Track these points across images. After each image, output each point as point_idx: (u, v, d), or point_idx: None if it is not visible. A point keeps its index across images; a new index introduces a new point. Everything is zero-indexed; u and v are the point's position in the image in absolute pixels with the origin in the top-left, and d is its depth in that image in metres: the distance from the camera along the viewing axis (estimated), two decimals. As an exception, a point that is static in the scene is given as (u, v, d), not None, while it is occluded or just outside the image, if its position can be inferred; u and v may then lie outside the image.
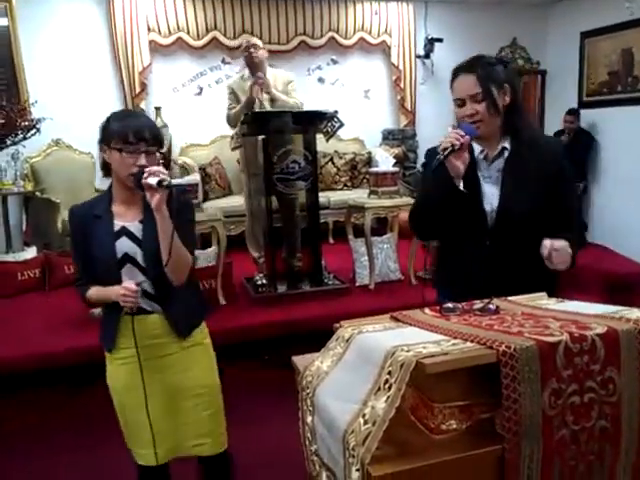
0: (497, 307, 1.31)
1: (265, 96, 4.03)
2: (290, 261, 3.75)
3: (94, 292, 1.74)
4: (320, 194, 3.95)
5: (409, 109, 6.57)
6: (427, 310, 1.37)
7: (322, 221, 4.58)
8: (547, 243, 1.61)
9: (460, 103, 1.73)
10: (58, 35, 5.43)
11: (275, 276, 3.74)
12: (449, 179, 1.67)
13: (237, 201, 5.28)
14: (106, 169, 1.73)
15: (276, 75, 4.19)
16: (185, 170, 5.42)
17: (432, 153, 1.84)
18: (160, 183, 1.57)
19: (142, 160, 1.63)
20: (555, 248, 1.59)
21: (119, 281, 1.68)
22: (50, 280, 4.34)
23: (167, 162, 5.66)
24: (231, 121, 4.14)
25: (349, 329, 1.28)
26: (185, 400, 1.81)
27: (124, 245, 1.70)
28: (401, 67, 6.49)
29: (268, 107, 4.01)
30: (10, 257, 4.44)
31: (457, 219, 1.75)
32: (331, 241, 5.47)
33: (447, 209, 1.71)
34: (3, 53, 4.95)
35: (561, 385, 1.01)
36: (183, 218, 1.71)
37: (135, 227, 1.72)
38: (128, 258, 1.70)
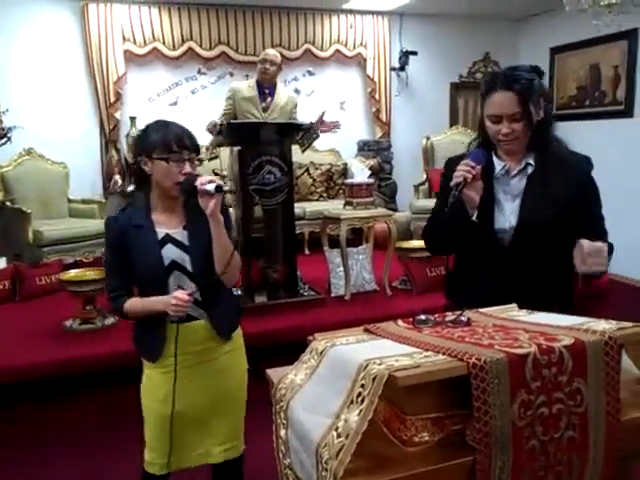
0: (469, 319, 1.32)
1: (267, 114, 4.02)
2: (267, 272, 3.74)
3: (137, 303, 1.72)
4: (296, 205, 3.96)
5: (384, 121, 6.64)
6: (400, 322, 1.38)
7: (298, 232, 4.58)
8: (585, 243, 1.52)
9: (496, 120, 1.65)
10: (32, 43, 5.38)
11: (252, 287, 3.73)
12: (463, 209, 1.65)
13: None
14: (141, 180, 1.73)
15: (286, 93, 4.21)
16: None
17: (451, 162, 1.81)
18: (219, 189, 1.59)
19: (187, 168, 1.65)
20: (595, 249, 1.52)
21: (165, 289, 1.68)
22: (21, 291, 4.26)
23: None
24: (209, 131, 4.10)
25: (323, 342, 1.28)
26: (218, 404, 1.81)
27: (171, 252, 1.70)
28: (376, 79, 6.56)
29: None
30: (-21, 268, 4.35)
31: (472, 238, 1.72)
32: (307, 252, 5.47)
33: (461, 232, 1.69)
34: (-26, 61, 4.87)
35: (530, 397, 1.03)
36: (226, 223, 1.72)
37: (180, 234, 1.72)
38: (175, 265, 1.70)
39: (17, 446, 2.82)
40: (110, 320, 3.60)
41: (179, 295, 1.62)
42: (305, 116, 4.51)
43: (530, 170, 1.70)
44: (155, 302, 1.68)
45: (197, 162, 1.73)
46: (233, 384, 1.85)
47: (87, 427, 2.94)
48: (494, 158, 1.75)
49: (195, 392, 1.78)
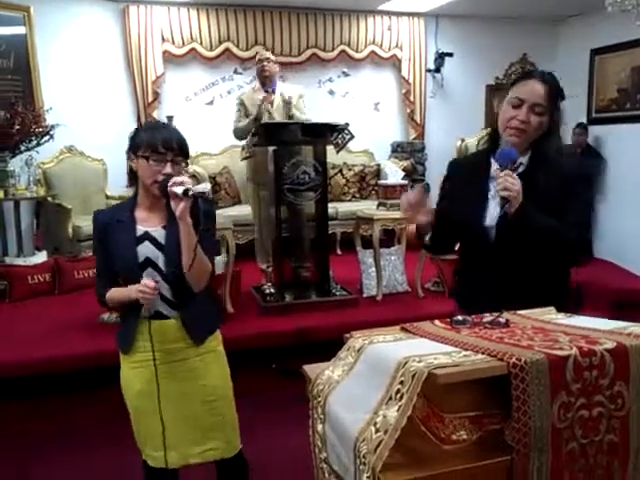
0: (507, 320, 1.32)
1: (272, 108, 4.10)
2: (298, 271, 3.78)
3: (114, 292, 1.78)
4: (329, 205, 3.98)
5: (418, 122, 6.62)
6: (437, 322, 1.38)
7: (330, 232, 4.60)
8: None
9: (517, 104, 1.67)
10: (74, 43, 5.52)
11: (283, 285, 3.76)
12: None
13: (246, 210, 5.31)
14: (132, 177, 1.79)
15: (288, 89, 4.26)
16: (195, 179, 5.46)
17: (454, 165, 1.89)
18: (186, 192, 1.61)
19: (168, 169, 1.68)
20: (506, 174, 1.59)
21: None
22: (60, 284, 4.39)
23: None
24: (237, 134, 4.23)
25: (360, 339, 1.29)
26: (198, 405, 1.84)
27: (146, 249, 1.74)
28: (411, 80, 6.55)
29: (277, 119, 4.07)
30: (21, 261, 4.49)
31: (463, 236, 1.79)
32: (339, 252, 5.49)
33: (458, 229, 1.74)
34: (20, 61, 5.02)
35: (570, 398, 1.03)
36: (205, 226, 1.73)
37: (158, 233, 1.76)
38: (149, 262, 1.74)
39: (50, 436, 2.91)
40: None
41: (145, 282, 1.67)
42: (339, 117, 4.55)
43: (521, 169, 1.72)
44: (130, 290, 1.71)
45: (183, 165, 1.74)
46: (209, 387, 1.85)
47: (117, 419, 3.00)
48: (491, 158, 1.76)
49: (171, 389, 1.80)
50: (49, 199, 4.86)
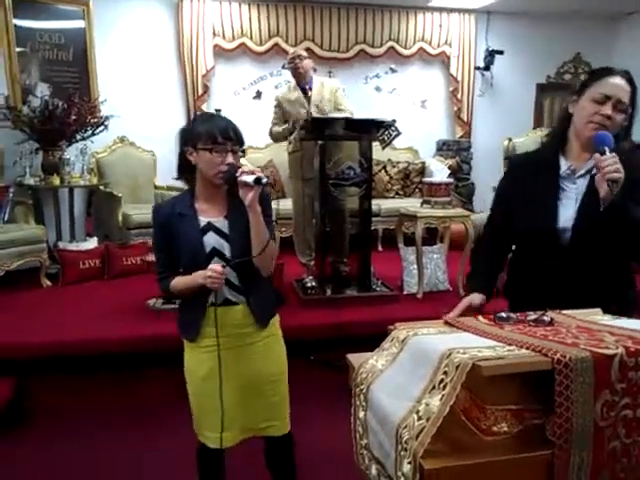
0: (551, 319, 1.33)
1: (314, 109, 4.09)
2: (337, 266, 3.81)
3: (179, 280, 1.83)
4: (372, 201, 3.99)
5: (465, 120, 6.56)
6: (480, 318, 1.40)
7: (372, 228, 4.61)
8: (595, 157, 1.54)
9: (603, 100, 1.63)
10: (129, 37, 5.70)
11: (324, 279, 3.81)
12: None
13: (289, 203, 5.38)
14: (187, 170, 1.83)
15: (323, 83, 4.24)
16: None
17: (516, 163, 1.86)
18: (258, 180, 1.66)
19: (230, 158, 1.73)
20: (605, 157, 1.51)
21: None
22: (109, 270, 4.55)
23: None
24: (272, 137, 4.25)
25: (404, 331, 1.32)
26: (260, 386, 1.91)
27: (211, 240, 1.80)
28: (459, 78, 6.49)
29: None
30: (74, 246, 4.67)
31: (528, 239, 1.75)
32: (380, 248, 5.51)
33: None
34: (78, 53, 5.22)
35: (614, 397, 1.03)
36: (266, 212, 1.80)
37: (221, 223, 1.82)
38: (216, 252, 1.80)
39: (99, 414, 3.04)
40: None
41: (213, 266, 1.72)
42: (385, 113, 4.55)
43: (595, 171, 1.65)
44: (195, 276, 1.76)
45: (241, 154, 1.80)
46: (271, 369, 1.92)
47: (159, 401, 3.12)
48: (560, 157, 1.74)
49: (235, 373, 1.86)
50: (101, 187, 5.04)
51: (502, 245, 1.91)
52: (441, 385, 1.05)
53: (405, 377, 1.17)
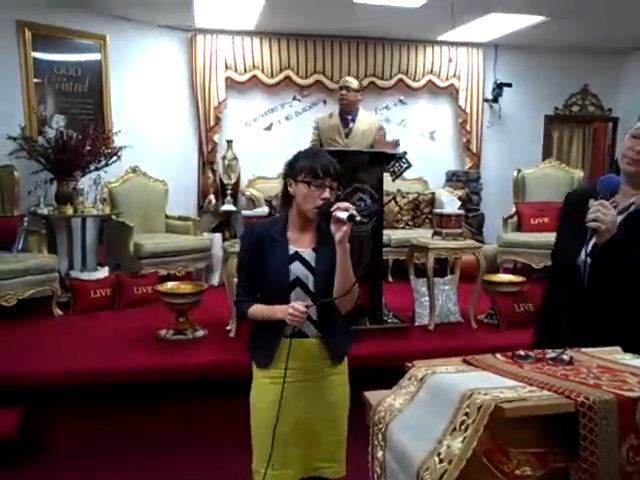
0: (571, 358, 1.31)
1: (350, 142, 4.14)
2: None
3: (259, 308, 1.85)
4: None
5: (474, 152, 6.61)
6: (499, 355, 1.39)
7: (383, 258, 4.60)
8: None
9: (638, 135, 1.64)
10: (143, 70, 5.81)
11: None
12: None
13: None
14: (286, 200, 1.88)
15: (368, 119, 4.34)
16: (252, 201, 5.61)
17: (569, 199, 1.85)
18: (351, 218, 1.68)
19: (327, 194, 1.77)
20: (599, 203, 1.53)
21: (287, 302, 1.78)
22: (120, 299, 4.56)
23: (235, 193, 5.90)
24: None
25: (422, 369, 1.31)
26: (322, 423, 1.89)
27: (297, 269, 1.82)
28: (468, 110, 6.56)
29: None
30: (85, 275, 4.70)
31: (557, 267, 1.76)
32: (390, 279, 5.49)
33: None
34: (94, 85, 5.33)
35: (640, 441, 1.02)
36: (354, 251, 1.83)
37: (308, 254, 1.84)
38: (299, 282, 1.82)
39: (109, 446, 3.01)
40: (200, 333, 3.78)
41: (296, 305, 1.73)
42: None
43: (632, 209, 1.66)
44: (275, 309, 1.79)
45: (337, 190, 1.84)
46: (336, 406, 1.91)
47: (171, 432, 3.09)
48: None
49: (300, 407, 1.85)
50: (113, 217, 5.08)
51: None
52: (462, 426, 1.04)
53: (425, 417, 1.16)
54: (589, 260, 1.63)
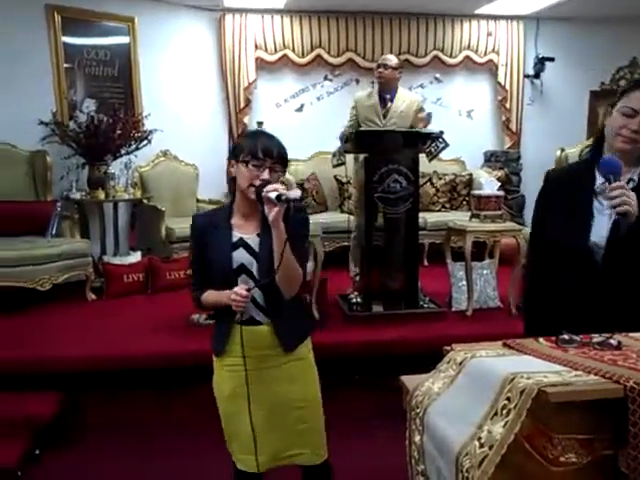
0: (619, 342, 1.29)
1: (389, 123, 4.10)
2: (387, 281, 3.80)
3: (209, 296, 1.87)
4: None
5: (514, 130, 6.48)
6: (542, 340, 1.37)
7: (419, 242, 4.57)
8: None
9: (630, 114, 1.62)
10: (172, 51, 5.84)
11: (370, 295, 3.80)
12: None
13: (333, 217, 5.41)
14: (231, 185, 1.89)
15: (408, 97, 4.26)
16: (283, 185, 5.60)
17: (552, 177, 1.83)
18: (279, 197, 1.66)
19: (265, 174, 1.75)
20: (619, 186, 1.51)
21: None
22: (152, 284, 4.65)
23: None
24: (343, 140, 4.21)
25: (461, 352, 1.31)
26: (287, 412, 1.89)
27: (241, 256, 1.83)
28: (508, 87, 6.42)
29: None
30: (117, 260, 4.80)
31: (561, 251, 1.71)
32: (426, 263, 5.46)
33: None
34: (123, 69, 5.40)
35: (693, 428, 0.99)
36: (298, 233, 1.81)
37: (252, 240, 1.84)
38: (244, 269, 1.82)
39: (144, 431, 3.09)
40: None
41: (237, 289, 1.73)
42: (432, 124, 4.52)
43: (631, 185, 1.63)
44: (222, 294, 1.79)
45: (280, 174, 1.81)
46: (298, 394, 1.90)
47: (204, 417, 3.13)
48: (596, 171, 1.69)
49: (260, 395, 1.85)
50: (144, 201, 5.16)
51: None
52: (504, 411, 1.04)
53: (464, 401, 1.15)
54: (603, 242, 1.62)
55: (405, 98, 4.24)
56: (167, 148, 5.68)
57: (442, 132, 3.79)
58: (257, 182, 1.74)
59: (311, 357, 1.98)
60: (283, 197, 1.65)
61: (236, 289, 1.74)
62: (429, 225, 5.45)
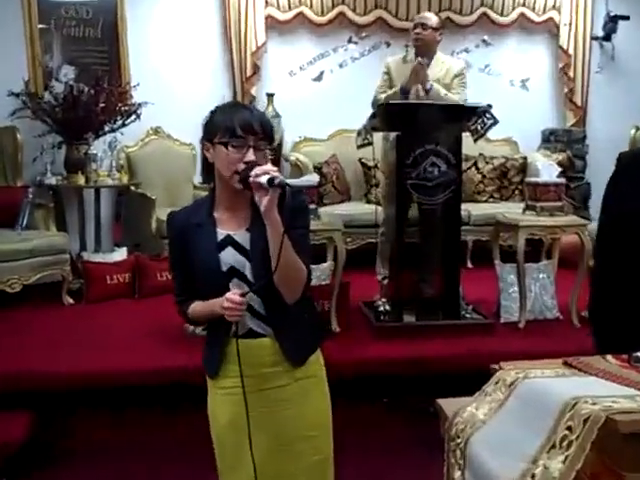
0: None
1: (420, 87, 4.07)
2: (422, 286, 3.79)
3: (197, 307, 1.84)
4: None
5: (579, 104, 6.43)
6: (610, 358, 1.37)
7: (461, 239, 4.57)
8: None
9: None
10: (165, 10, 5.86)
11: (402, 302, 3.80)
12: None
13: (357, 208, 5.41)
14: (208, 171, 1.83)
15: (447, 63, 4.25)
16: (298, 169, 5.64)
17: (629, 161, 1.81)
18: (271, 182, 1.61)
19: (250, 155, 1.70)
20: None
21: None
22: (141, 286, 4.70)
23: (277, 158, 5.94)
24: (375, 107, 4.16)
25: (512, 372, 1.31)
26: (294, 442, 1.86)
27: (229, 256, 1.79)
28: (571, 51, 6.36)
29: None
30: (99, 257, 4.85)
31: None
32: (469, 265, 5.44)
33: None
34: (108, 30, 5.45)
35: None
36: (297, 224, 1.76)
37: (241, 236, 1.80)
38: (235, 272, 1.79)
39: (118, 455, 3.12)
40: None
41: (230, 295, 1.68)
42: (476, 96, 4.50)
43: None
44: (213, 304, 1.75)
45: (268, 152, 1.78)
46: (308, 419, 1.87)
47: (188, 443, 3.18)
48: None
49: (262, 423, 1.82)
50: (132, 188, 5.21)
51: None
52: (563, 443, 1.03)
53: (515, 431, 1.15)
54: None
55: (445, 65, 4.22)
56: (159, 124, 5.71)
57: (490, 106, 3.76)
58: (241, 166, 1.70)
59: (323, 374, 1.96)
60: (276, 181, 1.60)
61: (228, 295, 1.70)
62: (473, 219, 5.43)
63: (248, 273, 1.79)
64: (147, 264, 4.76)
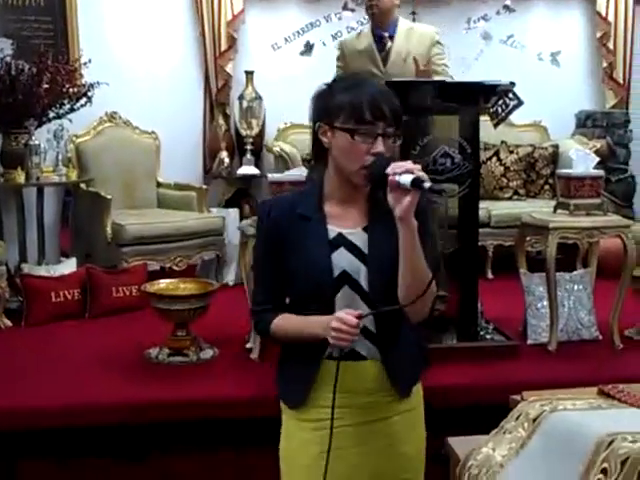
0: None
1: (394, 68, 4.10)
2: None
3: (289, 321, 1.82)
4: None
5: (620, 82, 6.47)
6: (657, 386, 1.37)
7: (479, 244, 4.57)
8: None
9: None
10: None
11: (409, 321, 3.79)
12: None
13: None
14: (320, 156, 1.81)
15: (412, 30, 4.27)
16: (283, 161, 5.63)
17: None
18: (416, 183, 1.57)
19: (379, 146, 1.69)
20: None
21: (329, 310, 1.73)
22: (92, 304, 4.68)
23: (258, 148, 5.94)
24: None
25: (537, 404, 1.30)
26: None
27: (343, 259, 1.77)
28: (611, 18, 6.42)
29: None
30: (43, 270, 4.81)
31: None
32: (490, 275, 5.45)
33: None
34: (52, -4, 5.43)
35: None
36: (425, 229, 1.74)
37: (358, 236, 1.79)
38: (347, 278, 1.77)
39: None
40: (209, 353, 3.84)
41: (343, 316, 1.64)
42: (498, 73, 4.52)
43: None
44: (312, 323, 1.74)
45: (397, 141, 1.75)
46: (407, 460, 1.87)
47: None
48: None
49: (354, 464, 1.81)
50: (82, 186, 5.19)
51: None
52: (599, 489, 1.02)
53: (542, 475, 1.15)
54: None
55: (414, 32, 4.26)
56: (115, 109, 5.72)
57: (513, 84, 3.76)
58: (368, 160, 1.69)
59: (422, 408, 1.95)
60: (426, 184, 1.57)
61: (341, 314, 1.66)
62: (495, 219, 5.47)
63: (363, 280, 1.77)
64: (101, 278, 4.74)
